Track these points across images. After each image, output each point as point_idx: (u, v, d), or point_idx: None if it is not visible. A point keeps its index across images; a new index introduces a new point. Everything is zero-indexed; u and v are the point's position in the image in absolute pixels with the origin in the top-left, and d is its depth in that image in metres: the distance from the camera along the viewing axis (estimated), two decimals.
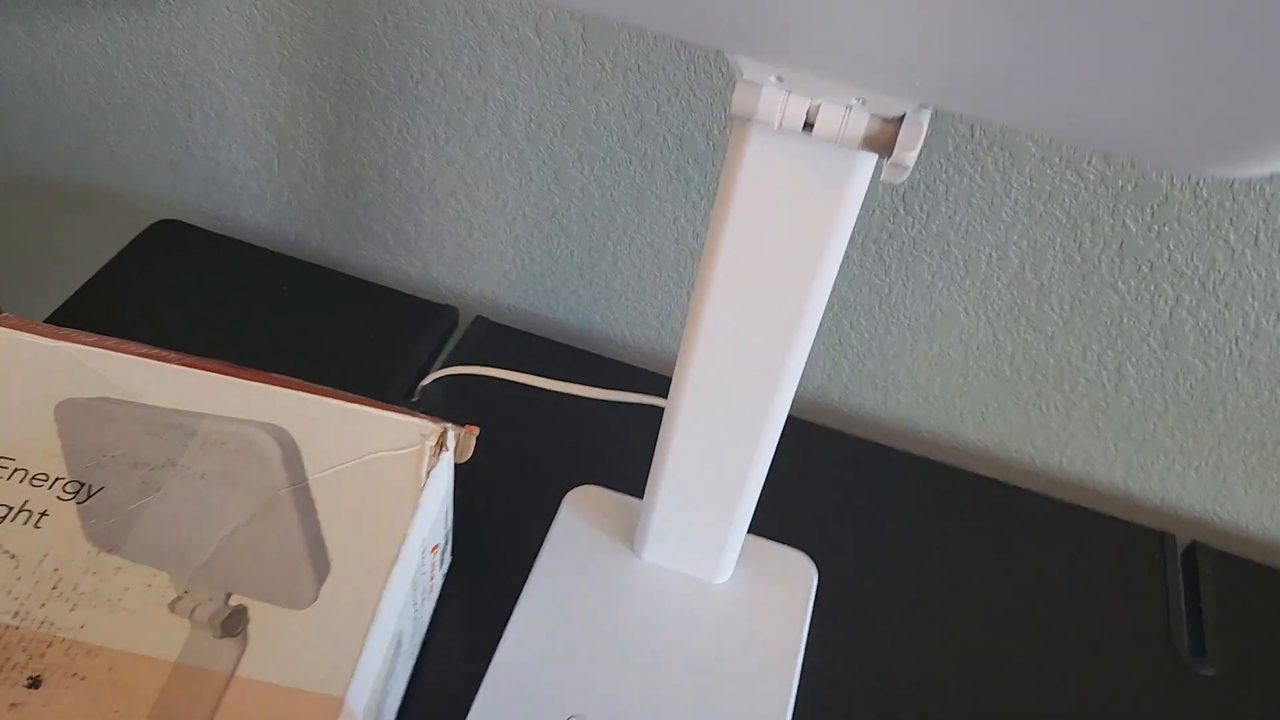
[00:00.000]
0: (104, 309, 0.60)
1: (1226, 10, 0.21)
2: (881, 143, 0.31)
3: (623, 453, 0.56)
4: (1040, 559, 0.56)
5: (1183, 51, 0.23)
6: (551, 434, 0.58)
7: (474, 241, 0.65)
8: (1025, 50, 0.24)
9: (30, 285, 0.82)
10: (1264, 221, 0.49)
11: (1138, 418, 0.59)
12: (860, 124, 0.30)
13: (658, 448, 0.46)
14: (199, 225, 0.67)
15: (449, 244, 0.66)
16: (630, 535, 0.51)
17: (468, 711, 0.45)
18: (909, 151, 0.30)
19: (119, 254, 0.64)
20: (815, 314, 0.38)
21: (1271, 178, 0.47)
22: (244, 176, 0.67)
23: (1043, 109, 0.26)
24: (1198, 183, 0.49)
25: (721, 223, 0.36)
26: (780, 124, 0.31)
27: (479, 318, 0.64)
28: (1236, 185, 0.48)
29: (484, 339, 0.63)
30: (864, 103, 0.30)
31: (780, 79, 0.30)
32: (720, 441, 0.44)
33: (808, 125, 0.31)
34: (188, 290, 0.62)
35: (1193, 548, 0.59)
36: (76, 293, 0.61)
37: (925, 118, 0.30)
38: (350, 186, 0.65)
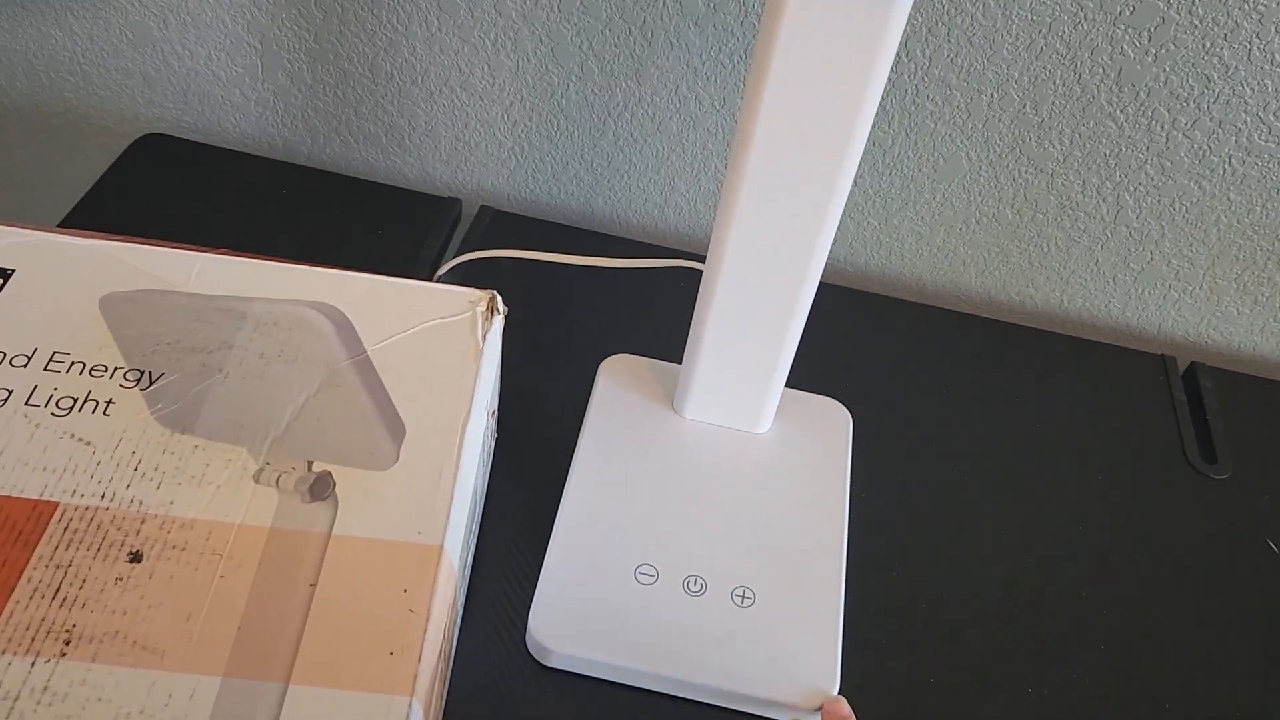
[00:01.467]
0: (100, 227, 0.59)
1: None
2: None
3: (646, 321, 0.57)
4: (1050, 390, 0.59)
5: None
6: (573, 309, 0.58)
7: (471, 132, 0.64)
8: None
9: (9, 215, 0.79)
10: (1257, 35, 0.51)
11: (1135, 248, 0.61)
12: None
13: (697, 306, 0.46)
14: (183, 137, 0.66)
15: (445, 137, 0.65)
16: (669, 397, 0.52)
17: (537, 568, 0.46)
18: None
19: (106, 173, 0.62)
20: (857, 152, 0.39)
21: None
22: (226, 85, 0.65)
23: None
24: (1194, 1, 0.50)
25: (764, 68, 0.36)
26: None
27: (484, 207, 0.64)
28: (1231, 0, 0.50)
29: (491, 227, 0.63)
30: None
31: None
32: (762, 296, 0.44)
33: None
34: (182, 202, 0.61)
35: (1192, 368, 0.62)
36: (69, 215, 0.60)
37: None
38: (339, 86, 0.64)
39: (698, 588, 0.45)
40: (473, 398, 0.41)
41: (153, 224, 0.59)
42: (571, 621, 0.44)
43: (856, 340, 0.60)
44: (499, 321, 0.44)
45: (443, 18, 0.59)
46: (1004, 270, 0.64)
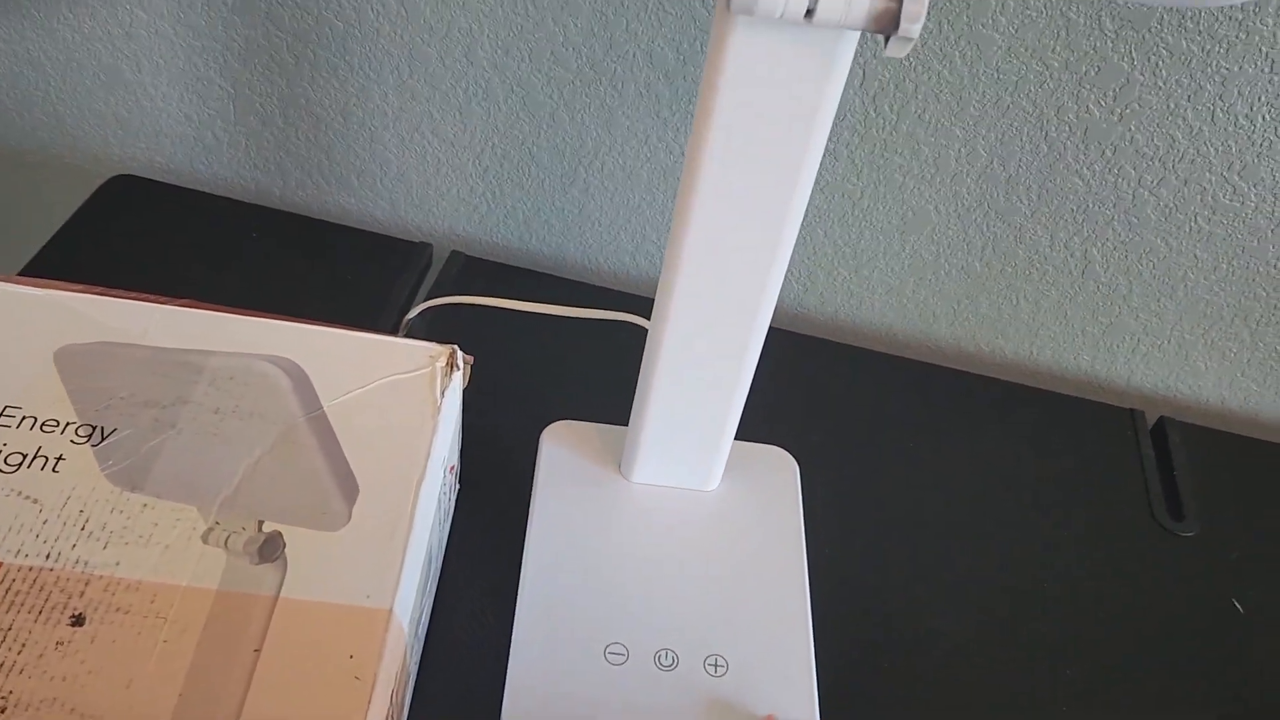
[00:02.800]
0: (67, 269, 0.59)
1: None
2: (887, 19, 0.31)
3: (609, 373, 0.57)
4: (1018, 443, 0.59)
5: None
6: (539, 357, 0.58)
7: (441, 178, 0.64)
8: None
9: None
10: (1220, 98, 0.51)
11: (1103, 302, 0.61)
12: (863, 4, 0.31)
13: (643, 367, 0.46)
14: (154, 179, 0.66)
15: (416, 182, 0.65)
16: (614, 460, 0.52)
17: (499, 629, 0.45)
18: (914, 24, 0.31)
19: (75, 213, 0.62)
20: (800, 206, 0.39)
21: (1227, 52, 0.49)
22: (198, 127, 0.65)
23: None
24: (1157, 63, 0.50)
25: (705, 123, 0.36)
26: (783, 13, 0.31)
27: (454, 253, 0.64)
28: (1194, 63, 0.50)
29: (461, 273, 0.63)
30: None
31: None
32: (707, 353, 0.44)
33: (809, 12, 0.31)
34: (152, 245, 0.61)
35: (1161, 422, 0.62)
36: (35, 256, 0.59)
37: None
38: (311, 130, 0.64)
39: (670, 661, 0.45)
40: (429, 456, 0.41)
41: (121, 266, 0.59)
42: (546, 717, 0.43)
43: (824, 390, 0.59)
44: (459, 377, 0.44)
45: (414, 66, 0.59)
46: (974, 321, 0.64)
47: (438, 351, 0.44)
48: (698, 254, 0.41)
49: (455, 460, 0.47)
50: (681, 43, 0.55)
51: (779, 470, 0.53)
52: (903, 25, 0.32)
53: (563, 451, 0.52)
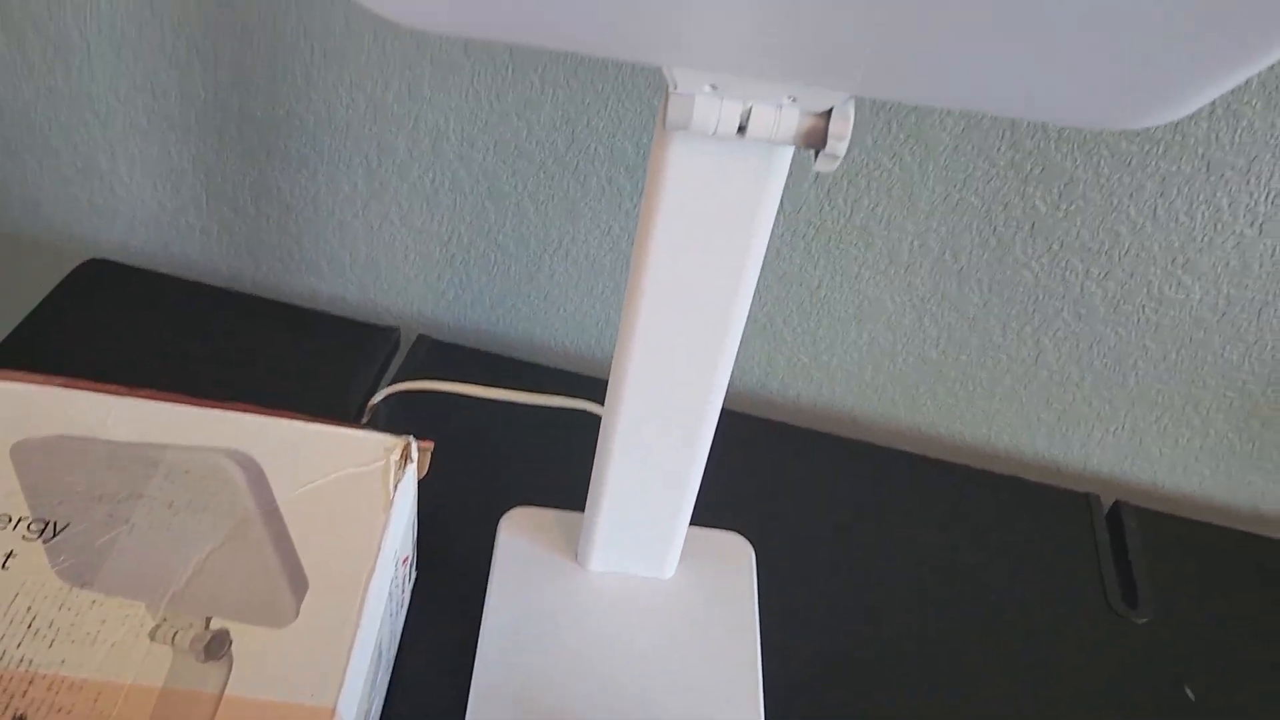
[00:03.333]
0: (38, 354, 0.60)
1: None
2: (815, 137, 0.33)
3: (570, 458, 0.58)
4: (975, 529, 0.59)
5: (1063, 31, 0.26)
6: (501, 445, 0.59)
7: (410, 264, 0.66)
8: (933, 32, 0.27)
9: None
10: (1161, 195, 0.53)
11: (1057, 389, 0.62)
12: (792, 121, 0.33)
13: (597, 456, 0.47)
14: (126, 263, 0.67)
15: (385, 267, 0.66)
16: (571, 548, 0.52)
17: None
18: (840, 141, 0.33)
19: (48, 296, 0.63)
20: (743, 307, 0.40)
21: (1164, 152, 0.51)
22: (172, 213, 0.67)
23: (950, 85, 0.29)
24: (1099, 162, 0.52)
25: (648, 230, 0.37)
26: (716, 130, 0.33)
27: (421, 336, 0.65)
28: (1134, 162, 0.52)
29: (428, 357, 0.64)
30: (794, 100, 0.32)
31: (714, 87, 0.32)
32: (659, 444, 0.45)
33: (740, 129, 0.33)
34: (123, 328, 0.62)
35: (1116, 506, 0.62)
36: (7, 338, 0.60)
37: (851, 108, 0.32)
38: (282, 216, 0.65)
39: None
40: (379, 551, 0.41)
41: (92, 350, 0.60)
42: None
43: (784, 475, 0.60)
44: (413, 470, 0.45)
45: (383, 157, 0.61)
46: (932, 406, 0.65)
47: (392, 444, 0.45)
48: (646, 348, 0.42)
49: (409, 551, 0.47)
50: (641, 137, 0.57)
51: (735, 556, 0.54)
52: (830, 143, 0.33)
53: (520, 539, 0.53)
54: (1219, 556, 0.60)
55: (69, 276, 0.65)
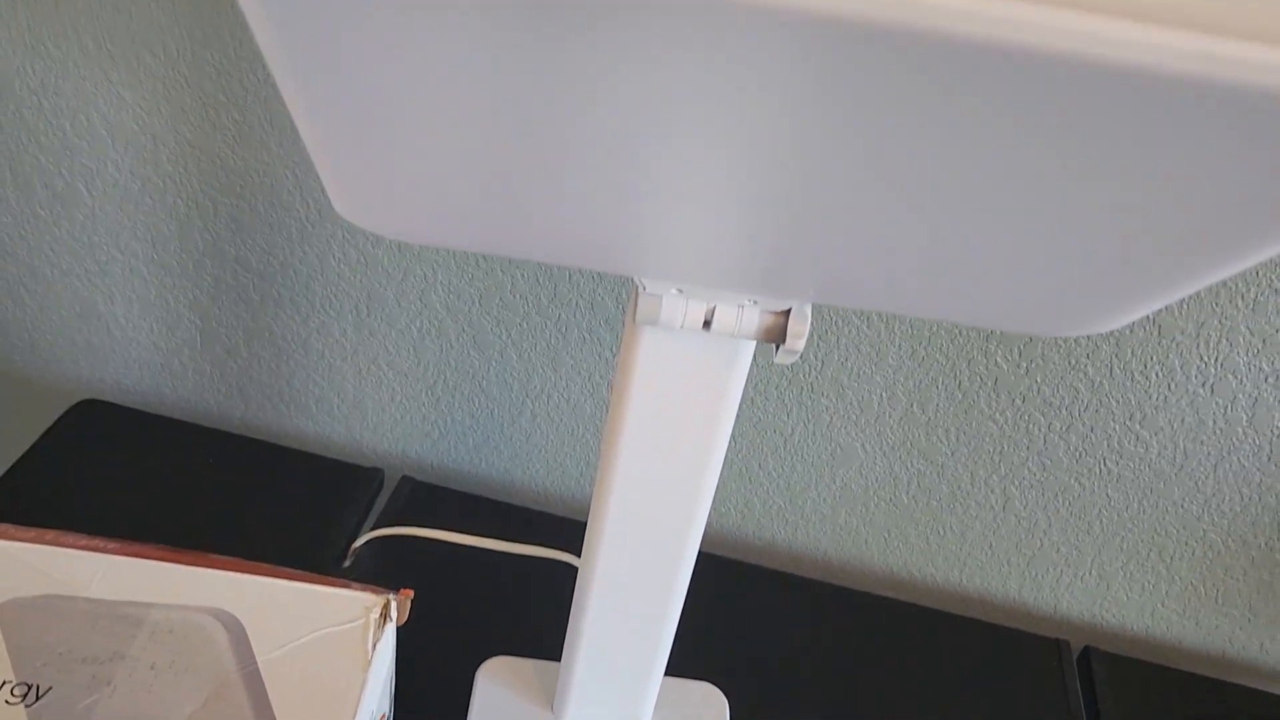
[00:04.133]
0: (32, 494, 0.61)
1: (1016, 237, 0.26)
2: (774, 333, 0.35)
3: (550, 607, 0.59)
4: (948, 674, 0.60)
5: (990, 256, 0.28)
6: (480, 591, 0.60)
7: (397, 405, 0.68)
8: (876, 266, 0.29)
9: None
10: (1115, 356, 0.55)
11: (1025, 535, 0.64)
12: (753, 320, 0.35)
13: (573, 611, 0.48)
14: (120, 403, 0.68)
15: (372, 409, 0.68)
16: (548, 698, 0.53)
17: None
18: (799, 339, 0.35)
19: (42, 437, 0.65)
20: (712, 479, 0.42)
21: None
22: (166, 355, 0.69)
23: (895, 302, 0.31)
24: None
25: (620, 414, 0.39)
26: (682, 325, 0.35)
27: (404, 478, 0.66)
28: None
29: (410, 499, 0.65)
30: (755, 302, 0.35)
31: (680, 290, 0.34)
32: (634, 601, 0.46)
33: (705, 324, 0.35)
34: (115, 470, 0.63)
35: (1086, 652, 0.63)
36: (2, 479, 0.62)
37: (809, 309, 0.35)
38: (273, 359, 0.67)
39: None
40: (356, 710, 0.42)
41: (83, 493, 0.61)
42: None
43: (760, 620, 0.61)
44: (391, 628, 0.46)
45: (372, 306, 0.63)
46: (904, 549, 0.67)
47: (372, 602, 0.46)
48: (620, 516, 0.43)
49: (386, 708, 0.48)
50: (621, 293, 0.59)
51: (708, 707, 0.54)
52: (789, 341, 0.35)
53: (497, 688, 0.53)
54: (1187, 703, 0.61)
55: (64, 416, 0.66)
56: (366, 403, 0.68)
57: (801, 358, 0.59)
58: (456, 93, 0.23)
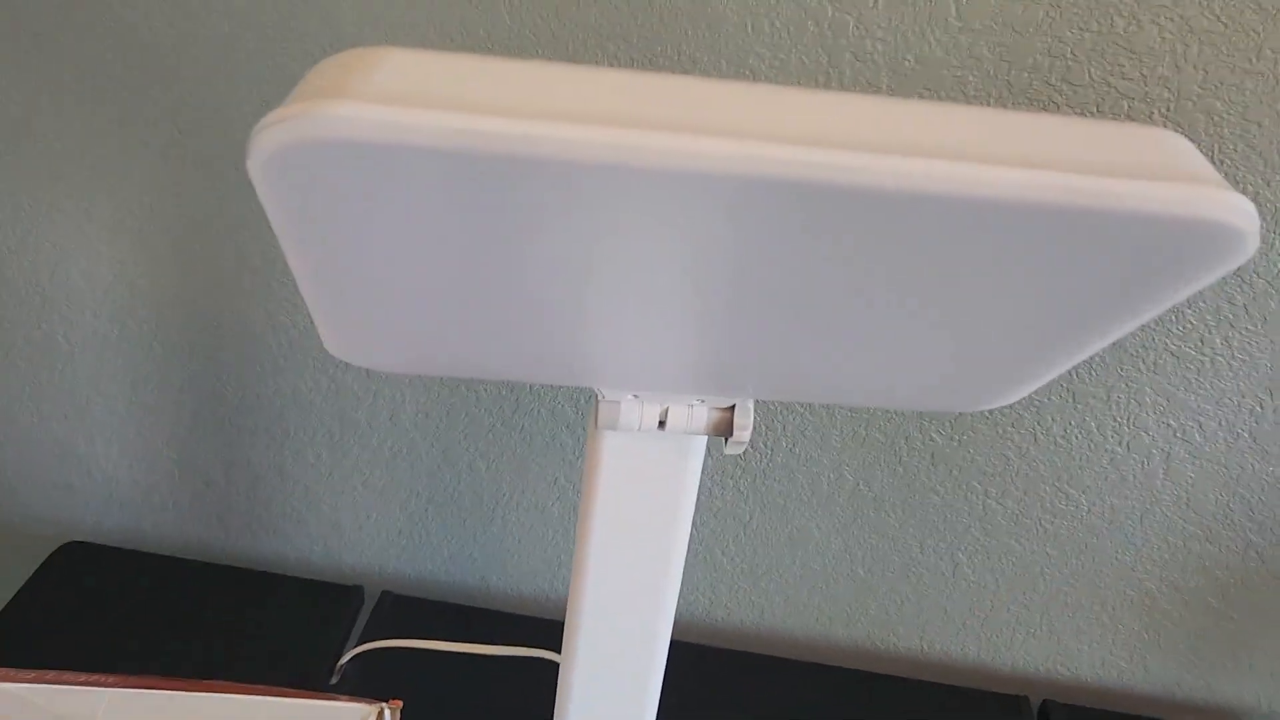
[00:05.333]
0: (20, 639, 0.62)
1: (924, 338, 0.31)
2: (722, 427, 0.39)
3: (535, 703, 0.61)
4: None
5: (909, 354, 0.33)
6: (468, 694, 0.62)
7: (373, 523, 0.70)
8: (801, 365, 0.34)
9: None
10: (1038, 423, 0.60)
11: (976, 598, 0.68)
12: (702, 417, 0.39)
13: (557, 706, 0.51)
14: (100, 541, 0.71)
15: (349, 527, 0.71)
16: None
17: None
18: (744, 431, 0.39)
19: (28, 581, 0.67)
20: (678, 565, 0.45)
21: (1036, 390, 0.59)
22: (145, 491, 0.71)
23: (823, 394, 0.36)
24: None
25: (589, 513, 0.43)
26: (639, 427, 0.39)
27: (385, 593, 0.69)
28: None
29: (392, 612, 0.67)
30: (703, 401, 0.39)
31: (635, 395, 0.38)
32: (613, 692, 0.50)
33: (660, 424, 0.39)
34: (102, 608, 0.65)
35: (1045, 706, 0.67)
36: None
37: (751, 404, 0.39)
38: (250, 486, 0.70)
39: None
40: None
41: (72, 634, 0.63)
42: None
43: (731, 703, 0.64)
44: None
45: (345, 429, 0.66)
46: (865, 622, 0.70)
47: (367, 712, 0.49)
48: (594, 608, 0.47)
49: None
50: (580, 401, 0.63)
51: None
52: (735, 433, 0.40)
53: None
54: None
55: (48, 560, 0.68)
56: (344, 522, 0.71)
57: (753, 446, 0.63)
58: (436, 256, 0.27)
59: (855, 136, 0.25)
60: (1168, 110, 0.50)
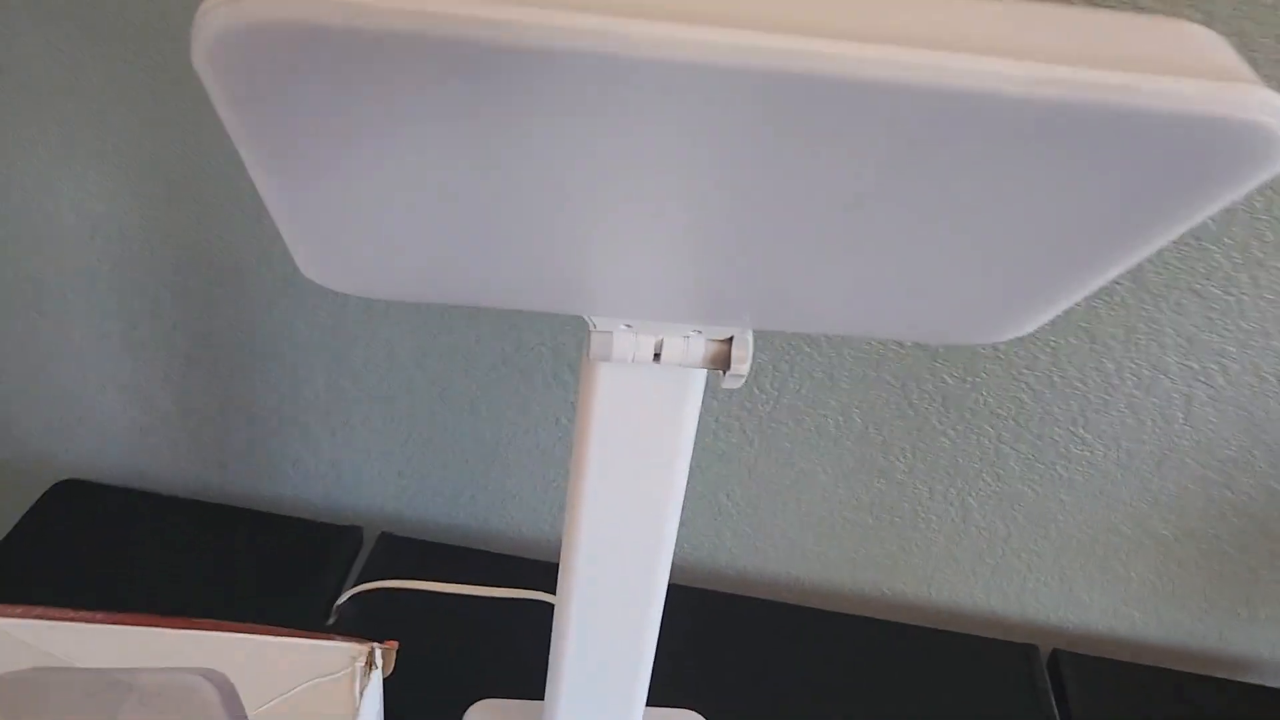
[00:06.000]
0: (14, 574, 0.62)
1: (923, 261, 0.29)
2: (719, 360, 0.38)
3: (532, 647, 0.60)
4: (923, 686, 0.62)
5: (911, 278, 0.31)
6: (464, 636, 0.61)
7: (371, 463, 0.69)
8: (802, 290, 0.32)
9: None
10: (1053, 365, 0.58)
11: (986, 544, 0.66)
12: (699, 349, 0.37)
13: (552, 647, 0.50)
14: (97, 481, 0.70)
15: (347, 468, 0.70)
16: None
17: None
18: (742, 364, 0.37)
19: (22, 518, 0.66)
20: (675, 507, 0.44)
21: (1052, 326, 0.57)
22: (143, 431, 0.70)
23: (823, 323, 0.34)
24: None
25: (583, 449, 0.42)
26: (633, 359, 0.37)
27: (383, 534, 0.68)
28: (1027, 338, 0.57)
29: (390, 554, 0.66)
30: (700, 332, 0.37)
31: (629, 325, 0.37)
32: (610, 632, 0.48)
33: (655, 356, 0.37)
34: (97, 546, 0.64)
35: (1055, 655, 0.65)
36: None
37: (750, 335, 0.37)
38: (247, 426, 0.69)
39: None
40: None
41: (67, 570, 0.62)
42: None
43: (736, 647, 0.63)
44: (378, 674, 0.47)
45: (341, 367, 0.65)
46: (872, 569, 0.69)
47: (357, 651, 0.48)
48: (590, 545, 0.45)
49: None
50: (582, 335, 0.61)
51: None
52: (733, 365, 0.38)
53: None
54: (1155, 699, 0.63)
55: (43, 497, 0.67)
56: (342, 463, 0.70)
57: (758, 387, 0.62)
58: (405, 161, 0.25)
59: (858, 27, 0.23)
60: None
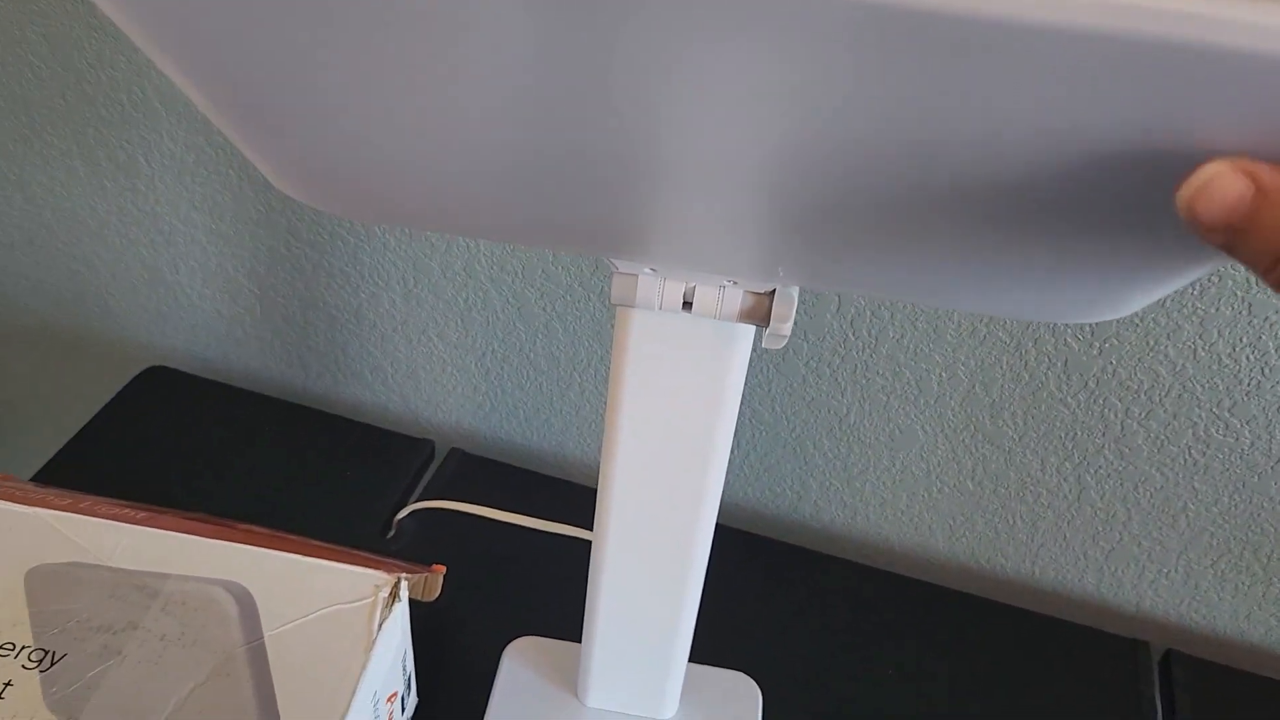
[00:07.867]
0: (95, 458, 0.63)
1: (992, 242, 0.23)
2: (759, 315, 0.32)
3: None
4: (1010, 675, 0.56)
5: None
6: (520, 567, 0.59)
7: (448, 376, 0.67)
8: (858, 255, 0.26)
9: (26, 433, 0.85)
10: (1200, 337, 0.50)
11: (1102, 527, 0.59)
12: (735, 301, 0.32)
13: (589, 590, 0.47)
14: (186, 370, 0.70)
15: (424, 379, 0.68)
16: (573, 681, 0.52)
17: None
18: (784, 323, 0.32)
19: (109, 403, 0.67)
20: (719, 466, 0.39)
21: (1201, 294, 0.48)
22: (229, 322, 0.70)
23: (883, 291, 0.28)
24: None
25: (617, 400, 0.37)
26: (660, 306, 0.32)
27: (454, 450, 0.66)
28: (1170, 304, 0.49)
29: (458, 471, 0.65)
30: (736, 282, 0.32)
31: (654, 269, 0.32)
32: (647, 578, 0.44)
33: (686, 305, 0.32)
34: (176, 436, 0.65)
35: (1168, 655, 0.58)
36: (69, 442, 0.64)
37: (795, 291, 0.32)
38: (328, 328, 0.68)
39: None
40: (355, 691, 0.42)
41: (145, 458, 0.63)
42: None
43: (807, 609, 0.58)
44: (401, 608, 0.45)
45: (419, 277, 0.62)
46: (971, 538, 0.63)
47: (383, 581, 0.45)
48: (625, 490, 0.41)
49: (398, 686, 0.48)
50: None
51: (740, 698, 0.52)
52: (773, 324, 0.33)
53: (523, 670, 0.52)
54: (1276, 717, 0.55)
55: (130, 383, 0.68)
56: (420, 374, 0.68)
57: (855, 334, 0.56)
58: (390, 64, 0.21)
59: None
60: None
